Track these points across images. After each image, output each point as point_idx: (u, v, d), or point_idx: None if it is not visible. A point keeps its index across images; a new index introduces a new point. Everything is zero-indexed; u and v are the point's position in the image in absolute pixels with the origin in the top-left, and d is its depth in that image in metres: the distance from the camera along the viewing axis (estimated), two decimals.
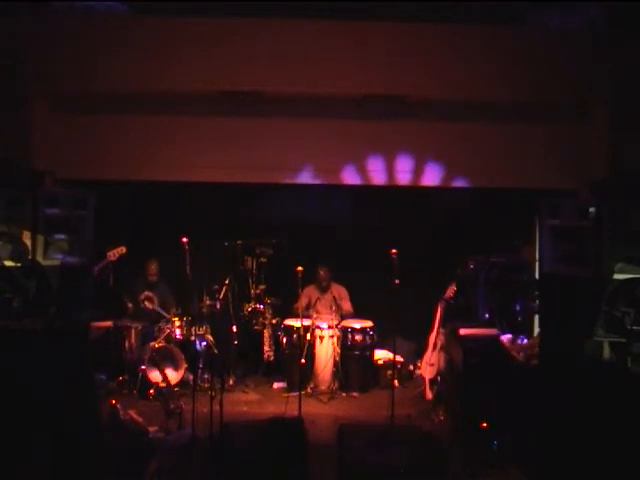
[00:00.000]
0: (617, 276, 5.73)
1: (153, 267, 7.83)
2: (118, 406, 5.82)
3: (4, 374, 5.14)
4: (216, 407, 5.71)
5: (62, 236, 6.65)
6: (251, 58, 7.41)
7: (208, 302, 7.52)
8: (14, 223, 6.73)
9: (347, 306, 7.96)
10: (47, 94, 7.63)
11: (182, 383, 7.12)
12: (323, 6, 7.29)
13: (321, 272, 7.95)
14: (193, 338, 7.33)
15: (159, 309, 7.70)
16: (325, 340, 7.46)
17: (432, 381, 7.20)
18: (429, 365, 7.23)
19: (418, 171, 8.04)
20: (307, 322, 7.44)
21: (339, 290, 8.01)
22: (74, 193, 7.17)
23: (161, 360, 6.94)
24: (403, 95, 7.64)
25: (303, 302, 7.70)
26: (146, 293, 7.79)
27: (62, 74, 7.43)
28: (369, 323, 7.72)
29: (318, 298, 7.87)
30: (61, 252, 6.48)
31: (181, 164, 7.83)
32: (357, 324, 7.69)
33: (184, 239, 7.15)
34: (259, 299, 7.79)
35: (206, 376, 7.29)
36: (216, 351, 7.23)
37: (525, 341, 6.19)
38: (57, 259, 6.39)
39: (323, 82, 7.48)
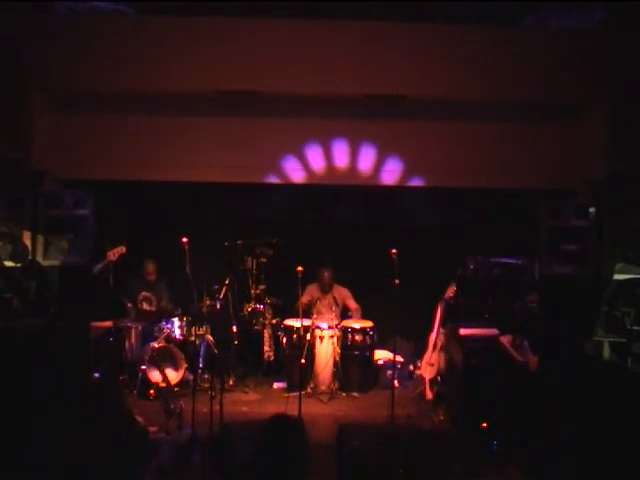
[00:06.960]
0: (617, 276, 5.75)
1: (150, 266, 7.82)
2: None
3: (4, 374, 5.14)
4: (216, 407, 5.72)
5: (62, 236, 6.66)
6: (251, 58, 7.40)
7: (208, 302, 7.50)
8: (14, 223, 6.74)
9: (352, 305, 7.93)
10: (47, 94, 7.63)
11: (182, 383, 7.10)
12: (323, 6, 7.28)
13: (325, 274, 7.88)
14: (193, 338, 7.33)
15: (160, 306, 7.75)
16: (325, 340, 7.46)
17: (432, 381, 7.20)
18: (429, 365, 7.23)
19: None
20: (307, 322, 7.44)
21: (341, 291, 7.97)
22: (74, 193, 7.20)
23: (161, 360, 6.93)
24: (403, 95, 7.64)
25: (305, 299, 7.69)
26: (144, 294, 7.80)
27: (62, 74, 7.42)
28: (369, 323, 7.71)
29: (319, 298, 7.86)
30: (61, 252, 6.49)
31: (181, 164, 7.82)
32: (357, 324, 7.68)
33: (184, 239, 7.13)
34: (259, 299, 7.78)
35: (206, 376, 7.29)
36: (216, 351, 7.22)
37: (526, 343, 6.19)
38: (57, 259, 6.40)
39: (323, 82, 7.48)
